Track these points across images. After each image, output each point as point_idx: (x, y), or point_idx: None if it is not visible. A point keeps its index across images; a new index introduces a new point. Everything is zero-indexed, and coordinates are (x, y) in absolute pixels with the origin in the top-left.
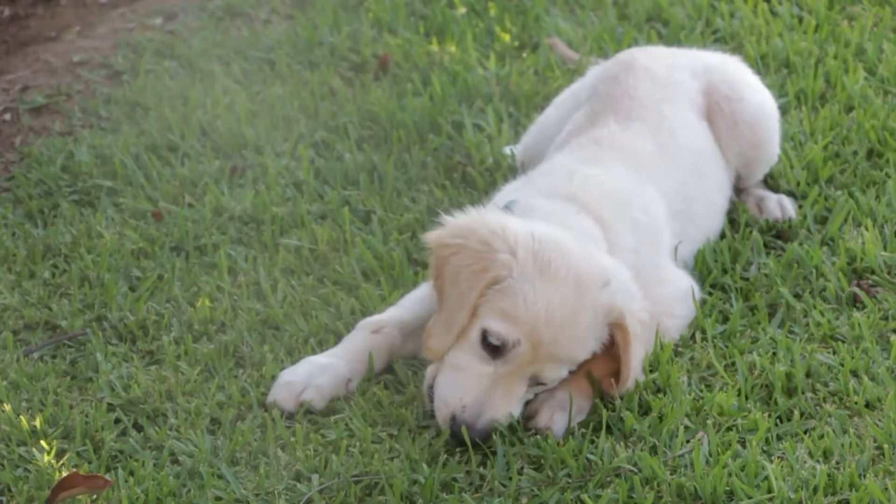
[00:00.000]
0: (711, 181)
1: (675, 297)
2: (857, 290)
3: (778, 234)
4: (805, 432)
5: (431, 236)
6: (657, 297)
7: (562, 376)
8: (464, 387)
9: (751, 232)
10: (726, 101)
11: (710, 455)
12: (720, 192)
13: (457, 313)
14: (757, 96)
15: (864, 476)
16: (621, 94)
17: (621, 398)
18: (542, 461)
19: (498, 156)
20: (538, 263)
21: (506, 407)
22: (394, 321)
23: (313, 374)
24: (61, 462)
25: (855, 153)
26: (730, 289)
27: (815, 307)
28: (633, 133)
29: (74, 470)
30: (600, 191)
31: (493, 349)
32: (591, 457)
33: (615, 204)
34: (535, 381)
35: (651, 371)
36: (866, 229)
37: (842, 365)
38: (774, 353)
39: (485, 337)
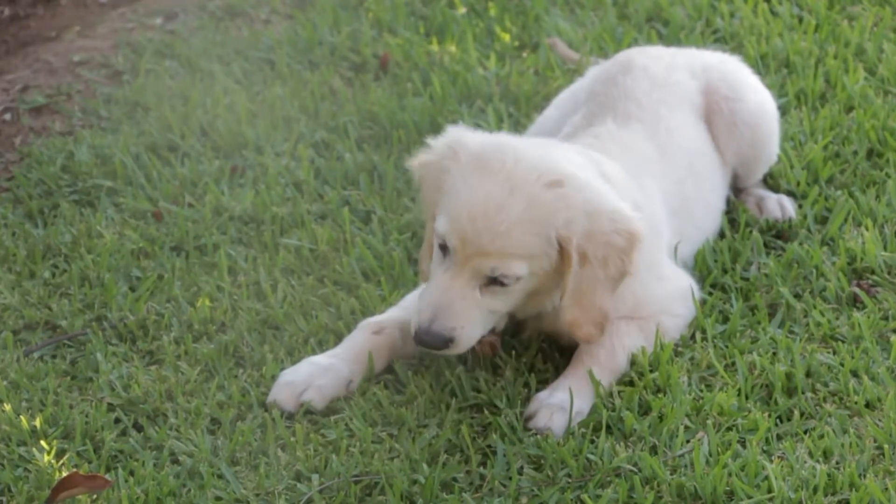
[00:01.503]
0: (708, 181)
1: (675, 295)
2: (857, 290)
3: (778, 234)
4: (805, 432)
5: (413, 164)
6: (656, 294)
7: (512, 273)
8: (423, 296)
9: (751, 232)
10: (726, 100)
11: (710, 455)
12: (717, 193)
13: (427, 226)
14: (757, 96)
15: (864, 476)
16: (619, 94)
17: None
18: (542, 461)
19: None
20: (476, 161)
21: (464, 313)
22: (394, 322)
23: (314, 375)
24: (61, 462)
25: (855, 153)
26: (730, 289)
27: (815, 307)
28: (630, 132)
29: (74, 470)
30: (604, 159)
31: (443, 248)
32: (591, 457)
33: (618, 174)
34: (490, 280)
35: (651, 371)
36: (866, 229)
37: (842, 365)
38: (774, 353)
39: (438, 239)
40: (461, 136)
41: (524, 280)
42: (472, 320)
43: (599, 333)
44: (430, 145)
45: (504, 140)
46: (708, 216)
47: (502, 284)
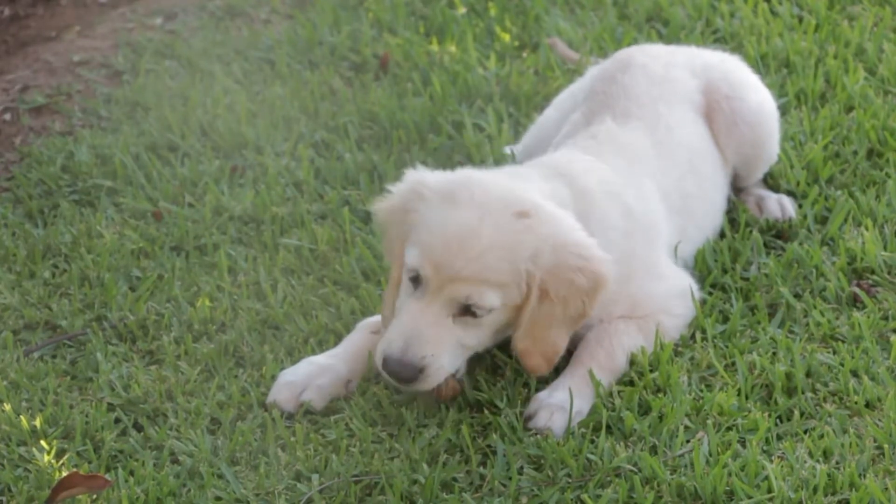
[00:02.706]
0: (709, 180)
1: (673, 294)
2: (857, 290)
3: (778, 233)
4: (805, 432)
5: (376, 210)
6: (654, 293)
7: (485, 303)
8: (390, 328)
9: (751, 232)
10: (726, 99)
11: (710, 455)
12: (718, 191)
13: (392, 264)
14: (757, 95)
15: (864, 476)
16: (618, 92)
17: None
18: (542, 461)
19: (498, 156)
20: (443, 195)
21: (436, 341)
22: None
23: (313, 375)
24: (61, 462)
25: (855, 153)
26: (730, 289)
27: (815, 307)
28: (629, 130)
29: (74, 470)
30: (589, 167)
31: (415, 281)
32: (591, 457)
33: (604, 183)
34: (462, 310)
35: (651, 371)
36: (866, 229)
37: (842, 365)
38: (774, 353)
39: (409, 274)
40: (422, 177)
41: (496, 313)
42: (443, 349)
43: (548, 367)
44: (391, 191)
45: (468, 174)
46: (709, 215)
47: (474, 316)
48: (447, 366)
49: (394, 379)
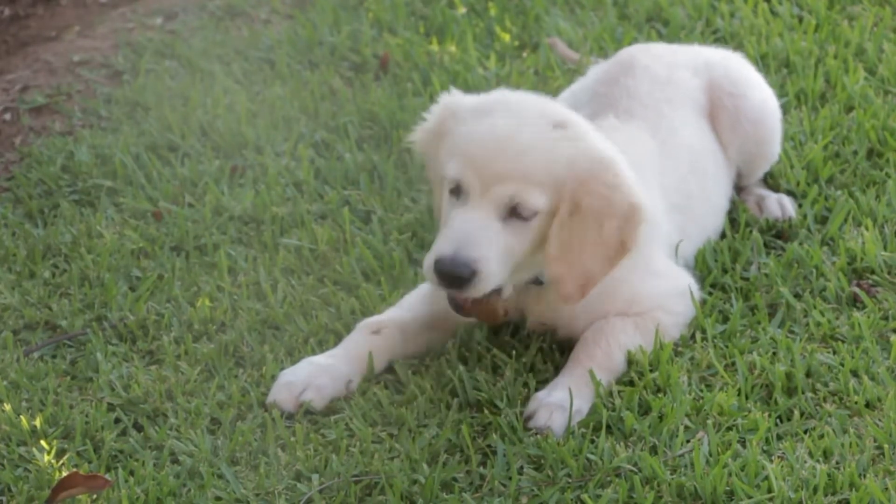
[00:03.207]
0: (711, 179)
1: (672, 292)
2: (857, 290)
3: (778, 233)
4: (805, 432)
5: (412, 140)
6: (652, 290)
7: (530, 202)
8: (439, 237)
9: (751, 232)
10: (729, 97)
11: (710, 455)
12: (720, 191)
13: (434, 182)
14: (760, 93)
15: (864, 476)
16: (620, 94)
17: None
18: (542, 461)
19: None
20: (478, 110)
21: (487, 244)
22: (394, 322)
23: (313, 375)
24: (61, 462)
25: (855, 153)
26: (730, 289)
27: (815, 307)
28: (632, 128)
29: (74, 470)
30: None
31: (456, 193)
32: (591, 457)
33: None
34: (509, 212)
35: (651, 371)
36: (866, 229)
37: (842, 365)
38: (774, 353)
39: (449, 186)
40: (455, 98)
41: (541, 217)
42: (493, 252)
43: (580, 296)
44: (425, 117)
45: (502, 91)
46: (710, 214)
47: (521, 219)
48: (497, 272)
49: (445, 282)
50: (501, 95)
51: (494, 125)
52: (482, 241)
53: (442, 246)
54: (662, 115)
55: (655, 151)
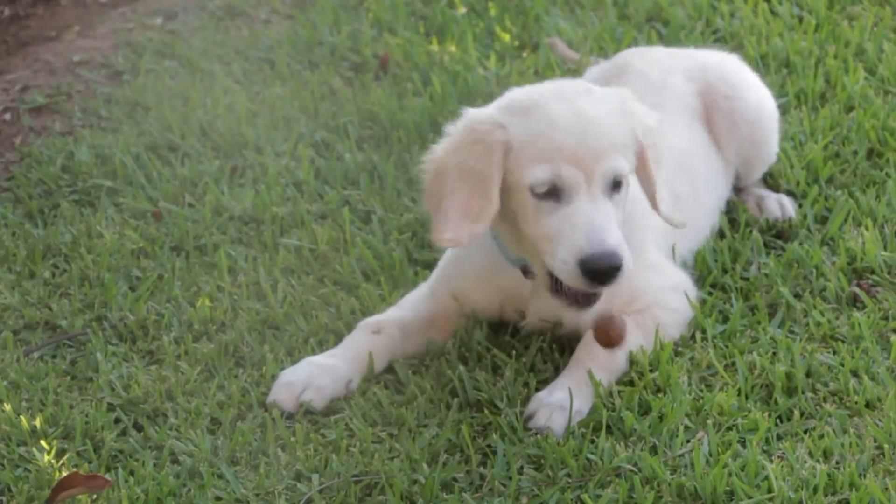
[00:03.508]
0: (702, 181)
1: (667, 287)
2: (857, 290)
3: (778, 233)
4: (805, 432)
5: (429, 158)
6: (650, 285)
7: (625, 169)
8: (564, 238)
9: (751, 232)
10: (725, 99)
11: (710, 455)
12: (713, 192)
13: (477, 198)
14: (756, 94)
15: (864, 476)
16: None
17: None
18: (542, 461)
19: None
20: (522, 110)
21: (612, 225)
22: (394, 321)
23: (313, 375)
24: (61, 462)
25: (855, 153)
26: (730, 289)
27: (815, 307)
28: None
29: (74, 470)
30: None
31: (552, 194)
32: (591, 457)
33: None
34: (612, 185)
35: (651, 371)
36: (866, 229)
37: (842, 365)
38: (774, 353)
39: (535, 192)
40: (484, 112)
41: (626, 182)
42: (621, 234)
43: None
44: (449, 134)
45: (513, 91)
46: (703, 214)
47: (617, 191)
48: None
49: (597, 280)
50: (522, 93)
51: (563, 114)
52: (613, 227)
53: (579, 245)
54: None
55: None
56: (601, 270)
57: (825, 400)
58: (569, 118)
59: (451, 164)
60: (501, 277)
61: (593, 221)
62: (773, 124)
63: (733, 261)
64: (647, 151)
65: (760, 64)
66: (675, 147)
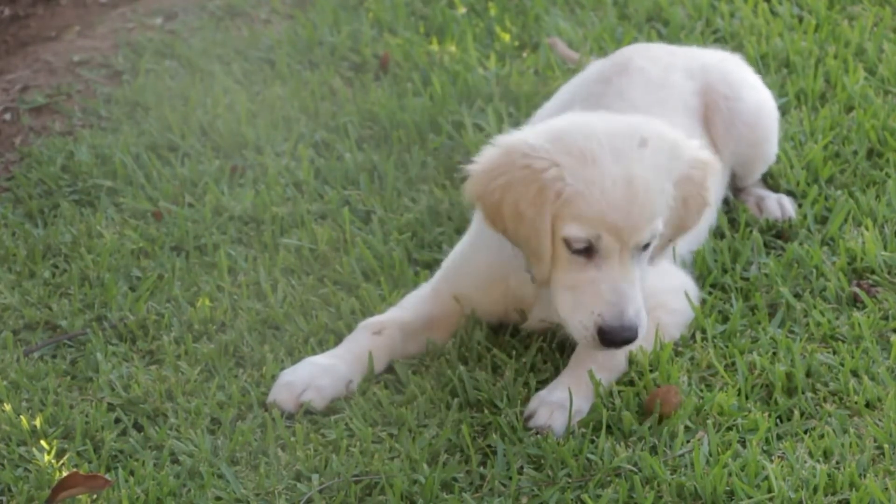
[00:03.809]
0: None
1: (668, 288)
2: (857, 290)
3: (778, 233)
4: (805, 432)
5: (470, 187)
6: (652, 285)
7: (657, 232)
8: (586, 300)
9: (751, 232)
10: (724, 99)
11: (710, 455)
12: None
13: (538, 242)
14: (756, 95)
15: (864, 476)
16: (613, 94)
17: None
18: (542, 461)
19: None
20: (578, 156)
21: (635, 292)
22: (395, 322)
23: (314, 375)
24: (61, 462)
25: (855, 153)
26: (730, 289)
27: (815, 307)
28: None
29: (74, 470)
30: None
31: (585, 252)
32: (591, 457)
33: None
34: (639, 251)
35: (651, 371)
36: (866, 229)
37: (842, 365)
38: (774, 353)
39: (571, 246)
40: (530, 143)
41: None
42: (641, 298)
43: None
44: (480, 169)
45: (574, 121)
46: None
47: (645, 248)
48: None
49: (609, 346)
50: (579, 129)
51: (615, 180)
52: (636, 294)
53: (600, 312)
54: (651, 116)
55: None
56: (616, 342)
57: (825, 400)
58: (620, 186)
59: (506, 203)
60: (507, 280)
61: (618, 291)
62: (773, 126)
63: (733, 261)
64: (681, 205)
65: (760, 64)
66: None
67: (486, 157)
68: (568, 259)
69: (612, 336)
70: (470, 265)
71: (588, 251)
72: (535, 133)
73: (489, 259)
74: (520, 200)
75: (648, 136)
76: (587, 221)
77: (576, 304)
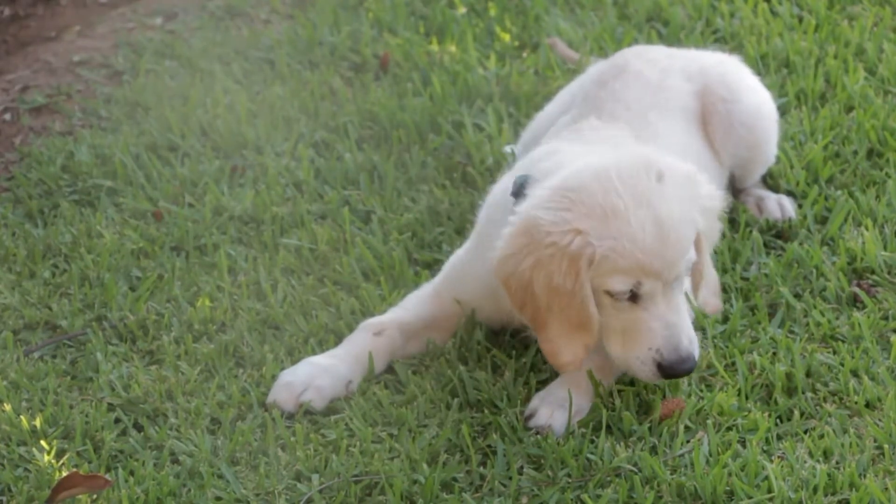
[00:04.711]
0: None
1: None
2: (857, 290)
3: (778, 234)
4: (805, 432)
5: (498, 271)
6: None
7: (692, 259)
8: (640, 338)
9: (751, 232)
10: (722, 102)
11: (710, 455)
12: None
13: (582, 311)
14: (754, 98)
15: (864, 476)
16: (608, 96)
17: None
18: (542, 461)
19: (498, 156)
20: (600, 215)
21: (685, 321)
22: (395, 323)
23: (314, 376)
24: (61, 462)
25: (855, 153)
26: (730, 289)
27: (815, 307)
28: (613, 128)
29: (74, 470)
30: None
31: (631, 297)
32: (591, 457)
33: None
34: (679, 281)
35: None
36: (866, 229)
37: (842, 365)
38: (774, 353)
39: (614, 296)
40: (547, 218)
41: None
42: (692, 329)
43: (722, 302)
44: (505, 254)
45: (582, 175)
46: None
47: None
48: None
49: (674, 378)
50: (592, 185)
51: (643, 225)
52: (686, 323)
53: (657, 347)
54: (647, 119)
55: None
56: (678, 374)
57: (825, 400)
58: (649, 230)
59: (538, 281)
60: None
61: (669, 325)
62: (772, 128)
63: (733, 261)
64: (703, 238)
65: (760, 64)
66: (669, 148)
67: (507, 241)
68: (612, 305)
69: (673, 370)
70: (469, 275)
71: (634, 296)
72: (546, 199)
73: (489, 268)
74: (552, 276)
75: (663, 169)
76: (626, 272)
77: (630, 344)
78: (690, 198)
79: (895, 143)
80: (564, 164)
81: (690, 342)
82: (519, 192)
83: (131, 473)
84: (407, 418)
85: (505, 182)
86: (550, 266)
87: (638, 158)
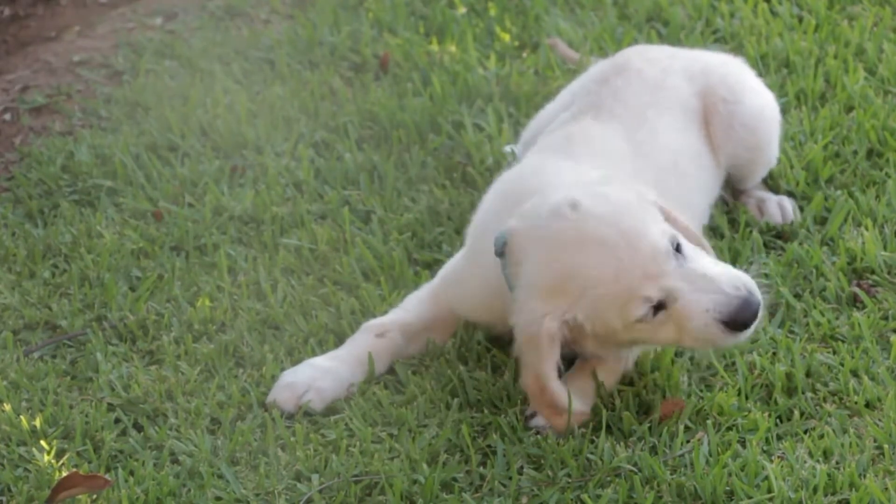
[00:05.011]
0: (693, 180)
1: None
2: (857, 290)
3: (778, 234)
4: (805, 432)
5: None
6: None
7: (674, 238)
8: (691, 315)
9: (751, 232)
10: (723, 103)
11: (710, 455)
12: (701, 193)
13: (613, 338)
14: (757, 100)
15: (864, 476)
16: (608, 94)
17: None
18: (542, 461)
19: (498, 156)
20: (554, 286)
21: (713, 269)
22: (397, 325)
23: (315, 377)
24: (61, 462)
25: (855, 153)
26: None
27: (815, 307)
28: (606, 130)
29: (74, 470)
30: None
31: (657, 306)
32: (591, 457)
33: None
34: (675, 249)
35: (651, 371)
36: (866, 229)
37: (842, 365)
38: (774, 353)
39: (644, 319)
40: (539, 301)
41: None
42: (728, 267)
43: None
44: (536, 320)
45: (549, 234)
46: (693, 217)
47: (680, 248)
48: None
49: (747, 322)
50: (556, 236)
51: (591, 261)
52: (715, 269)
53: (711, 309)
54: (645, 118)
55: (627, 151)
56: (747, 316)
57: (825, 400)
58: (600, 259)
59: (528, 368)
60: (504, 297)
61: (705, 284)
62: (773, 130)
63: (733, 261)
64: (669, 209)
65: (760, 64)
66: (668, 148)
67: (520, 335)
68: (652, 323)
69: (738, 319)
70: (463, 284)
71: (658, 305)
72: (523, 302)
73: (484, 279)
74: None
75: (574, 197)
76: (619, 299)
77: (686, 327)
78: (618, 196)
79: (895, 143)
80: (547, 186)
81: (738, 287)
82: (502, 251)
83: (131, 473)
84: (407, 418)
85: (496, 187)
86: (530, 357)
87: (552, 205)
